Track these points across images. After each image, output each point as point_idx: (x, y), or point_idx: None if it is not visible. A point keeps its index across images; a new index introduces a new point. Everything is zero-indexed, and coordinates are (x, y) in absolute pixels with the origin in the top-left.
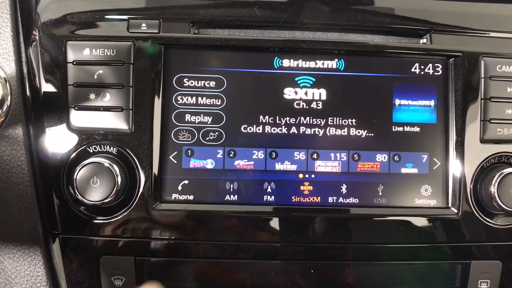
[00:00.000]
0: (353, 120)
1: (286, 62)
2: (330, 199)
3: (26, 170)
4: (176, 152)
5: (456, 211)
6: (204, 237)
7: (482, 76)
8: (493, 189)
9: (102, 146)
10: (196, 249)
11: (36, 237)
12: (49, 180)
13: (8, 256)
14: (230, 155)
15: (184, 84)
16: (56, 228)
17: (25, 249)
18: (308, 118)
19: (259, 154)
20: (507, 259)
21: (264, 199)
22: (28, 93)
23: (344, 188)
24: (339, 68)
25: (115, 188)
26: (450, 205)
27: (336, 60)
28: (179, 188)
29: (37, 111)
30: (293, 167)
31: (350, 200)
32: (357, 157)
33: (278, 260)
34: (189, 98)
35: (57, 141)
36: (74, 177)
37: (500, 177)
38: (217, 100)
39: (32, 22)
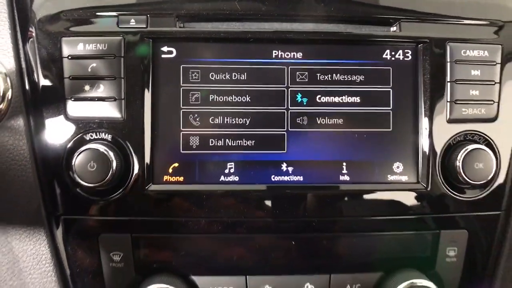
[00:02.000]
0: (331, 106)
1: (263, 52)
2: (310, 178)
3: (28, 157)
4: (167, 137)
5: (425, 185)
6: (192, 214)
7: (448, 60)
8: (459, 164)
9: (97, 133)
10: (186, 226)
11: (40, 219)
12: (50, 166)
13: (14, 237)
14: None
15: None
16: (58, 210)
17: (30, 230)
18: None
19: (243, 142)
20: (472, 228)
21: (245, 179)
22: (27, 86)
23: (321, 168)
24: (314, 57)
25: (110, 172)
26: (420, 180)
27: (311, 49)
28: (170, 170)
29: (37, 103)
30: (276, 151)
31: (327, 178)
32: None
33: (265, 234)
34: None
35: (56, 130)
36: (73, 162)
37: (465, 153)
38: (201, 87)
39: (28, 19)
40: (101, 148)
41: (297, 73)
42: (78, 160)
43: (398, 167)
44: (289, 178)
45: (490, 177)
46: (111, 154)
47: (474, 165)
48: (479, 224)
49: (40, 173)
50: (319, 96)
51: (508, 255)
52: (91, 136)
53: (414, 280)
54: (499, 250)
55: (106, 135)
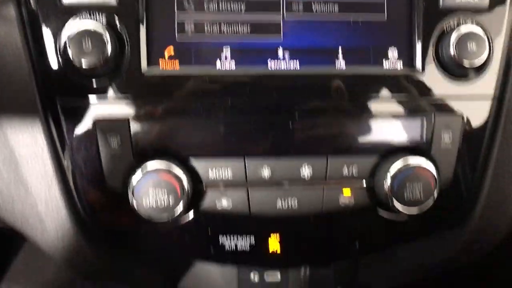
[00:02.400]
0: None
1: None
2: (307, 63)
3: (21, 46)
4: (161, 21)
5: (420, 70)
6: (189, 97)
7: None
8: (452, 48)
9: (92, 17)
10: (183, 109)
11: (35, 107)
12: (43, 51)
13: (9, 128)
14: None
15: None
16: (54, 96)
17: (25, 120)
18: None
19: (239, 28)
20: (467, 113)
21: (241, 64)
22: None
23: (317, 53)
24: None
25: (105, 53)
26: (415, 66)
27: None
28: (165, 55)
29: None
30: (272, 37)
31: (323, 63)
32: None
33: (263, 116)
34: None
35: (49, 16)
36: (68, 45)
37: (459, 36)
38: None
39: None
40: (96, 28)
41: None
42: (73, 41)
43: (393, 52)
44: (286, 63)
45: (483, 60)
46: (106, 35)
47: (468, 47)
48: (473, 109)
49: (33, 60)
50: None
51: (502, 145)
52: (86, 20)
53: (409, 159)
54: (493, 137)
55: (101, 18)
